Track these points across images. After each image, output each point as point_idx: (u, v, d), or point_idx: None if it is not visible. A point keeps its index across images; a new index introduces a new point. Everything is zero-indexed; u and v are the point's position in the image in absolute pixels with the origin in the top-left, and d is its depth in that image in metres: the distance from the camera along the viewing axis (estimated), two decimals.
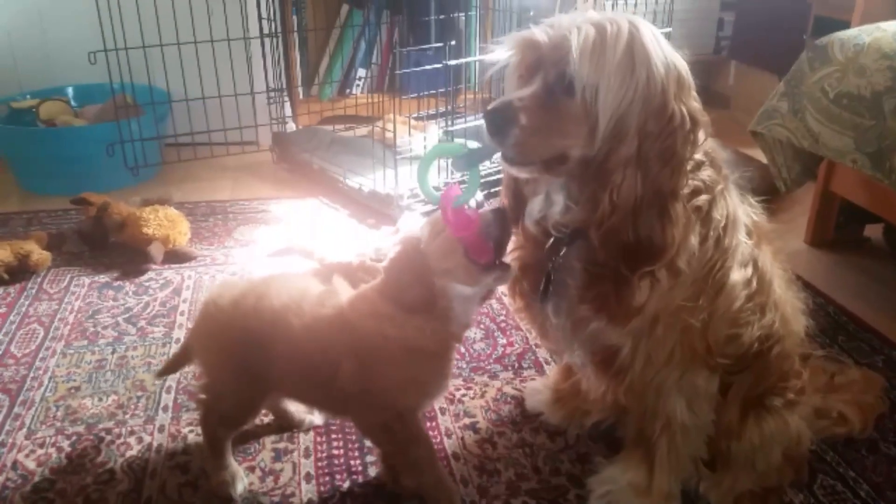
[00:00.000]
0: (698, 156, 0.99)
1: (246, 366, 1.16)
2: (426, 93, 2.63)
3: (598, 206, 0.95)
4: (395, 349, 1.09)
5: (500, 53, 1.02)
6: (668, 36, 2.63)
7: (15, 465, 1.29)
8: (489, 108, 0.97)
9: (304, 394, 1.24)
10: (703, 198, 0.99)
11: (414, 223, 1.13)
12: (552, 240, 1.06)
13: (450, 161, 1.34)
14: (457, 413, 1.44)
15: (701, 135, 0.96)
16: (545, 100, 0.95)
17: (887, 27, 1.72)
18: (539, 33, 0.96)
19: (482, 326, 1.73)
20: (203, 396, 1.24)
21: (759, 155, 2.16)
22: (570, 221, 1.03)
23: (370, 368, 1.10)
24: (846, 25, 2.06)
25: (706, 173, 0.99)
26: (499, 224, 1.06)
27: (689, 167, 0.97)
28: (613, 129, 0.92)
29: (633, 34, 0.92)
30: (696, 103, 0.96)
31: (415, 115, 2.80)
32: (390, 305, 1.09)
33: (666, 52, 0.94)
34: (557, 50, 0.93)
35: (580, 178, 0.99)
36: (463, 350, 1.64)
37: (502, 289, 1.86)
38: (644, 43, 0.92)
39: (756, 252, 1.09)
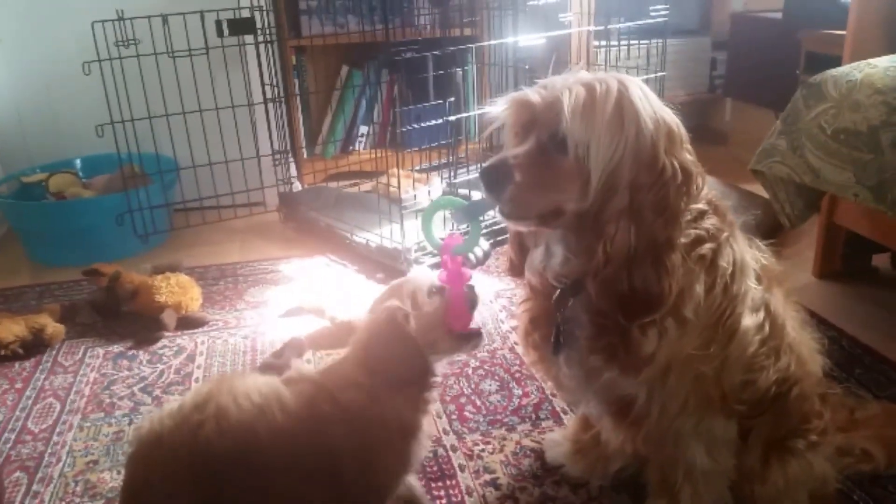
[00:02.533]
0: (700, 205, 1.00)
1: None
2: (428, 146, 2.67)
3: (594, 258, 0.97)
4: (394, 431, 1.09)
5: (497, 111, 1.05)
6: (662, 79, 2.70)
7: None
8: (485, 165, 1.00)
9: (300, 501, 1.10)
10: (707, 246, 1.00)
11: (389, 291, 1.16)
12: (558, 292, 1.08)
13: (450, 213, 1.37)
14: (476, 469, 1.43)
15: (696, 186, 0.98)
16: (539, 157, 0.98)
17: (878, 63, 1.75)
18: (532, 94, 1.00)
19: (497, 378, 1.73)
20: None
21: (761, 190, 2.17)
22: (569, 272, 1.04)
23: (373, 457, 1.07)
24: (836, 60, 2.10)
25: (710, 222, 1.01)
26: (474, 295, 1.10)
27: (690, 217, 0.99)
28: (605, 183, 0.94)
29: (621, 93, 0.95)
30: (689, 156, 0.98)
31: (418, 167, 2.84)
32: (379, 383, 1.07)
33: (655, 109, 0.96)
34: (550, 110, 0.96)
35: (576, 231, 1.01)
36: (479, 403, 1.63)
37: (515, 338, 1.87)
38: (633, 101, 0.94)
39: (767, 296, 1.09)
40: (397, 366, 1.07)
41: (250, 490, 1.00)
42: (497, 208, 1.01)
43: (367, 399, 1.06)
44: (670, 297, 0.95)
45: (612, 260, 0.95)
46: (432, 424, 1.19)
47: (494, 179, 0.99)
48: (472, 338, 1.11)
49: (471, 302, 1.09)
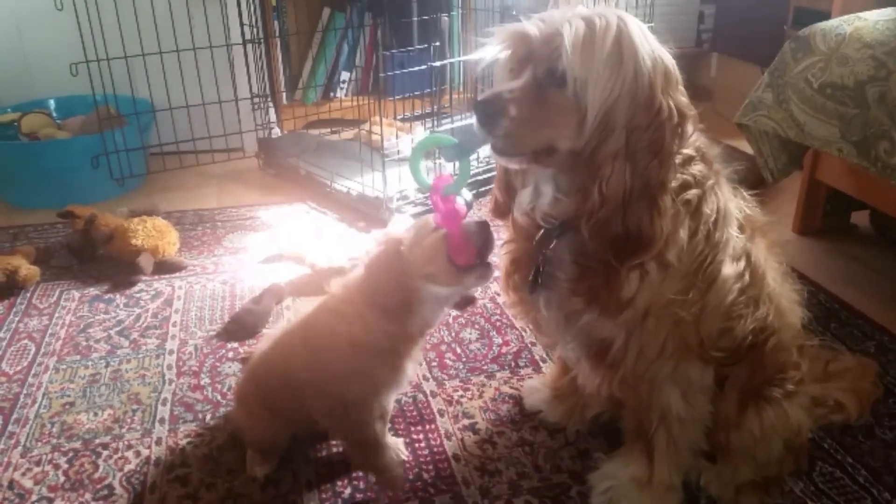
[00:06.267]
0: (688, 151, 0.99)
1: None
2: (411, 94, 2.62)
3: (587, 198, 0.96)
4: (342, 343, 1.14)
5: (490, 48, 1.02)
6: (650, 31, 2.66)
7: (11, 484, 1.28)
8: (479, 99, 0.98)
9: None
10: (693, 192, 1.00)
11: (400, 225, 1.15)
12: (542, 232, 1.07)
13: (440, 152, 1.35)
14: (455, 414, 1.44)
15: (689, 128, 0.97)
16: (535, 92, 0.96)
17: (867, 17, 1.74)
18: (530, 27, 0.96)
19: (477, 327, 1.73)
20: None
21: (745, 146, 2.17)
22: (559, 213, 1.03)
23: (318, 358, 1.18)
24: (825, 16, 2.08)
25: (696, 168, 1.00)
26: (482, 232, 1.07)
27: (678, 161, 0.98)
28: (601, 121, 0.93)
29: (621, 28, 0.92)
30: (683, 97, 0.97)
31: (400, 116, 2.80)
32: (364, 305, 1.13)
33: (653, 47, 0.94)
34: (549, 44, 0.94)
35: (569, 170, 0.99)
36: (459, 351, 1.64)
37: (496, 288, 1.87)
38: (632, 37, 0.92)
39: (749, 246, 1.09)
40: (383, 294, 1.10)
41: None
42: (490, 144, 0.99)
43: (328, 320, 1.18)
44: (662, 239, 0.95)
45: (607, 201, 0.94)
46: (411, 363, 1.19)
47: (489, 113, 0.96)
48: (474, 269, 1.08)
49: (470, 235, 1.06)
